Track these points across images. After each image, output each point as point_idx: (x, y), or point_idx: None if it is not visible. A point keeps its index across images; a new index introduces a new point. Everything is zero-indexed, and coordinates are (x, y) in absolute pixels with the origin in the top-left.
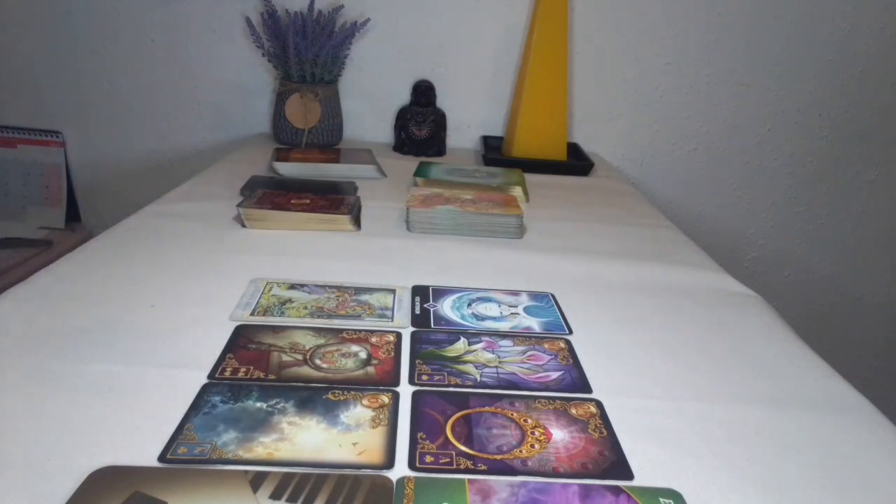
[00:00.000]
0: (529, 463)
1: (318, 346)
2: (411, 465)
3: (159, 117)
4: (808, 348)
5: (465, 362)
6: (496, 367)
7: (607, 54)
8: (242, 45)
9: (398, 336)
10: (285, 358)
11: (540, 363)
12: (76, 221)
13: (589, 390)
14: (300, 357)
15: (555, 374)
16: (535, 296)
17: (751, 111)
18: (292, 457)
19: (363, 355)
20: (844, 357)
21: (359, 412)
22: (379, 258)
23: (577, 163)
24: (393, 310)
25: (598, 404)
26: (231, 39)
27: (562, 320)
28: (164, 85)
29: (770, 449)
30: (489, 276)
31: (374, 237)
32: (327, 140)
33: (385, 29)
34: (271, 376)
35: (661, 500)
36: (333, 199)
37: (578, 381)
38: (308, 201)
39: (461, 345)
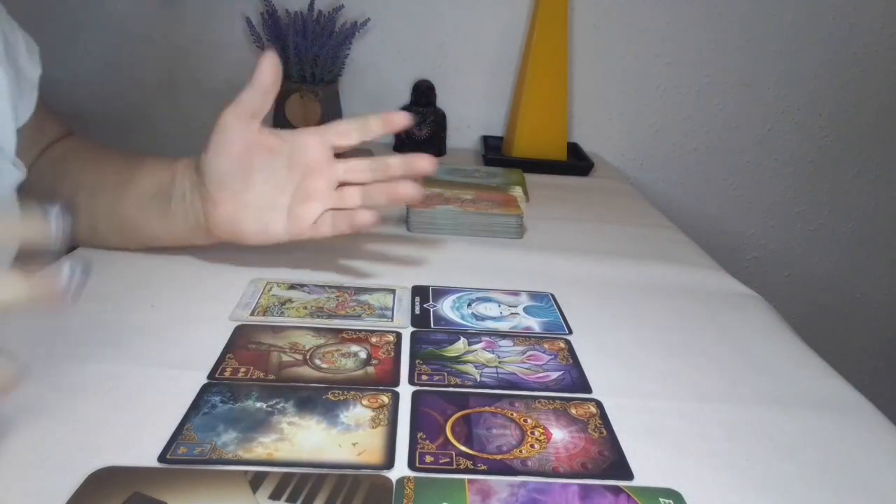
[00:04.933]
0: (529, 463)
1: (318, 346)
2: (411, 465)
3: (158, 117)
4: (808, 348)
5: (465, 362)
6: (496, 367)
7: (607, 54)
8: (242, 45)
9: (398, 336)
10: (285, 358)
11: (540, 363)
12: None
13: (589, 390)
14: (300, 357)
15: (555, 374)
16: (534, 296)
17: (751, 111)
18: (292, 457)
19: (363, 355)
20: (844, 357)
21: (359, 412)
22: (379, 258)
23: (577, 163)
24: (393, 310)
25: (598, 404)
26: (231, 39)
27: (562, 320)
28: (164, 85)
29: (770, 449)
30: (489, 276)
31: (374, 237)
32: None
33: (385, 29)
34: (271, 376)
35: (661, 500)
36: None
37: (578, 381)
38: None
39: (461, 345)
